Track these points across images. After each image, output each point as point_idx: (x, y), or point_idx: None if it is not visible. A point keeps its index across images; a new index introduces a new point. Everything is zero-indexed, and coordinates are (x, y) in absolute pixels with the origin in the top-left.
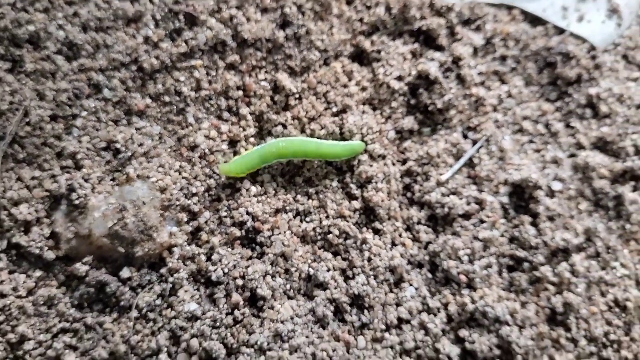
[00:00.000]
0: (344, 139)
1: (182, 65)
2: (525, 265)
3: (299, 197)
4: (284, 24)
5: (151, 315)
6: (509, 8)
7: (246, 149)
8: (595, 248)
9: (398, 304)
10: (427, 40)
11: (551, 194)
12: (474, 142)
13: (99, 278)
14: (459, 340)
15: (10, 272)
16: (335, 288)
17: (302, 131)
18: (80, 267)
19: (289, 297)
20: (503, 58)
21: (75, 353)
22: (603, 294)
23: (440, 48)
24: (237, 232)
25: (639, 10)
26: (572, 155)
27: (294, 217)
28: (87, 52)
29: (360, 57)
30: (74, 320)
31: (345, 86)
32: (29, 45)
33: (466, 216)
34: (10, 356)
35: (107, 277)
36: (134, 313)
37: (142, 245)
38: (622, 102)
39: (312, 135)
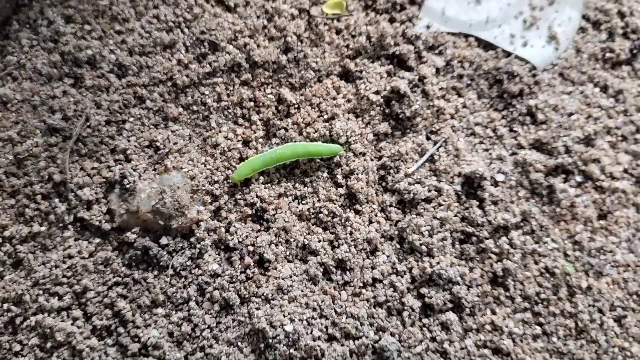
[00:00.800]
0: (326, 142)
1: (206, 82)
2: (473, 238)
3: (297, 185)
4: (287, 49)
5: (183, 273)
6: (466, 36)
7: (256, 148)
8: (530, 226)
9: (373, 267)
10: (399, 62)
11: (495, 183)
12: (435, 143)
13: (144, 244)
14: (420, 296)
15: (76, 240)
16: (324, 254)
17: (300, 133)
18: (130, 236)
19: (289, 261)
20: (460, 76)
21: (125, 301)
22: (536, 263)
23: (409, 68)
24: (249, 211)
25: (574, 36)
26: (513, 154)
27: (293, 200)
28: (133, 71)
29: (346, 75)
30: (124, 276)
31: (334, 98)
32: (88, 66)
33: (427, 200)
34: (75, 303)
35: (150, 243)
36: (170, 271)
37: (177, 219)
38: (557, 111)
39: (307, 137)
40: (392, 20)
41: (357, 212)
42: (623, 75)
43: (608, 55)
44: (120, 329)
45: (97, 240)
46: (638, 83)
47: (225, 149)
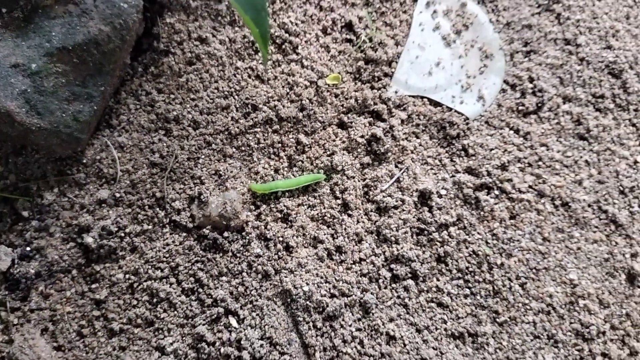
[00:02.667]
0: (328, 170)
1: (250, 131)
2: (425, 232)
3: (309, 198)
4: (302, 108)
5: (238, 255)
6: (422, 97)
7: (283, 174)
8: (463, 224)
9: (360, 251)
10: (377, 116)
11: (440, 196)
12: (400, 170)
13: (213, 236)
14: (390, 270)
15: (171, 234)
16: (328, 243)
17: (311, 164)
18: (205, 231)
19: (305, 247)
20: (417, 125)
21: (202, 272)
22: (466, 247)
23: (383, 120)
24: (279, 215)
25: (497, 95)
26: (452, 176)
27: (307, 208)
28: (203, 125)
29: (342, 125)
30: (201, 256)
31: (334, 141)
32: (174, 122)
33: (395, 207)
34: (171, 273)
35: (217, 236)
36: (230, 253)
37: (233, 220)
38: (482, 147)
39: (316, 167)
40: (372, 88)
41: (349, 215)
42: (531, 122)
43: (520, 108)
44: (200, 290)
45: (184, 234)
46: (541, 126)
47: (263, 175)
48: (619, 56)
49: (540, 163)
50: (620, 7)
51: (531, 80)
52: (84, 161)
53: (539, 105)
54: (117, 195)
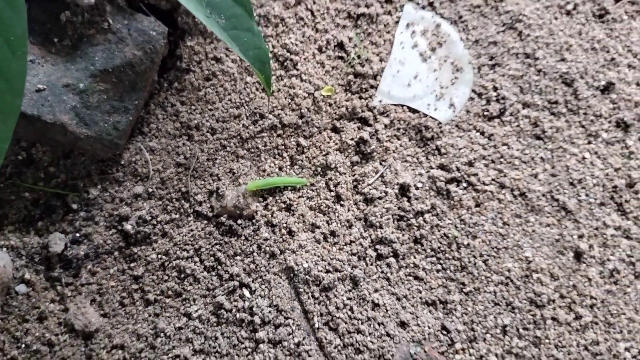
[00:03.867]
0: (323, 169)
1: (258, 136)
2: (404, 218)
3: (308, 191)
4: (301, 116)
5: (249, 238)
6: (402, 106)
7: (286, 172)
8: (436, 212)
9: (350, 235)
10: (364, 122)
11: (417, 188)
12: (384, 167)
13: (229, 224)
14: (376, 250)
15: (194, 222)
16: (323, 228)
17: (310, 163)
18: (222, 219)
19: (304, 232)
20: (398, 129)
21: (221, 252)
22: (439, 231)
23: (369, 125)
24: (283, 205)
25: (466, 103)
26: (427, 172)
27: (306, 199)
28: (219, 131)
29: (335, 130)
30: (219, 240)
31: (328, 143)
32: (195, 129)
33: (379, 198)
34: (195, 254)
35: (232, 223)
36: (242, 237)
37: (245, 210)
38: (453, 147)
39: (314, 165)
40: (360, 98)
41: (341, 205)
42: (494, 125)
43: (486, 113)
44: (218, 267)
45: (205, 222)
46: (504, 129)
47: (269, 172)
48: (571, 67)
49: (502, 160)
50: (573, 24)
51: (495, 89)
52: (122, 162)
53: (502, 110)
54: (150, 190)
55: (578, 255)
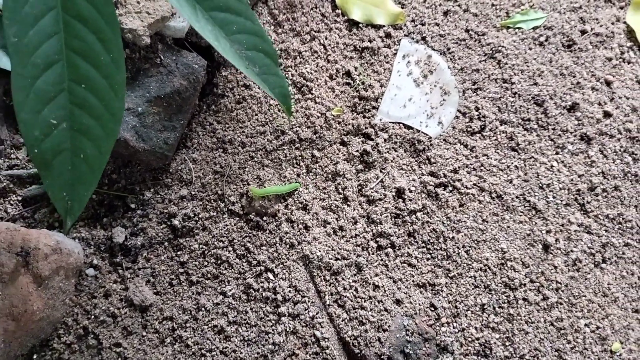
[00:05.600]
0: (332, 176)
1: (279, 148)
2: (400, 216)
3: (321, 194)
4: (315, 132)
5: (272, 232)
6: (398, 123)
7: (302, 178)
8: (427, 211)
9: (355, 229)
10: (367, 137)
11: (410, 192)
12: (383, 174)
13: (257, 220)
14: (376, 242)
15: (228, 218)
16: (334, 224)
17: (322, 170)
18: (251, 217)
19: (317, 227)
20: (395, 142)
21: (250, 243)
22: (428, 226)
23: (371, 139)
24: (300, 205)
25: (452, 121)
26: (420, 177)
27: (320, 200)
28: (248, 145)
29: (343, 143)
30: (248, 233)
31: (337, 154)
32: (228, 143)
33: (380, 200)
34: (229, 244)
35: (260, 219)
36: (267, 231)
37: (269, 209)
38: (441, 157)
39: (325, 172)
40: (364, 117)
41: (348, 205)
42: (476, 139)
43: (469, 129)
44: (248, 255)
45: (237, 218)
46: (484, 142)
47: (289, 178)
48: (542, 90)
49: (482, 168)
50: (545, 53)
51: (477, 109)
52: (170, 170)
53: (482, 127)
54: (193, 193)
55: (546, 247)
